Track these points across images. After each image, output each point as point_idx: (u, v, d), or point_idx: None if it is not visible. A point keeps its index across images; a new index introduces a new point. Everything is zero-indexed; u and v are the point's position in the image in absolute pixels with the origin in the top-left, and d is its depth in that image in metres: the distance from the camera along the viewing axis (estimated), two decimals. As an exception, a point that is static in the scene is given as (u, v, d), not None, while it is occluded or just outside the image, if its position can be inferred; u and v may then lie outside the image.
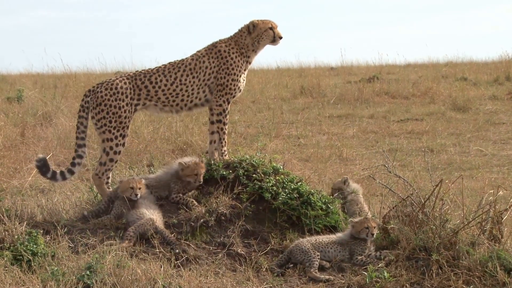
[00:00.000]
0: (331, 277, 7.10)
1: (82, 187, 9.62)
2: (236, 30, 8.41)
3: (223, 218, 7.74)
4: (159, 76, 8.15)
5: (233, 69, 8.23)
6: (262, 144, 12.14)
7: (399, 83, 22.69)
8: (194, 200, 7.89)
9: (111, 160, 8.10)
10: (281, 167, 8.31)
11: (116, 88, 8.04)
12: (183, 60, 8.27)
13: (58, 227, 7.49)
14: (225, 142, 8.34)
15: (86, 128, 8.17)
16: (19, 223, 7.47)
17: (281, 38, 8.37)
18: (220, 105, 8.24)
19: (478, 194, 10.04)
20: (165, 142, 13.16)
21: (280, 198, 7.85)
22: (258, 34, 8.31)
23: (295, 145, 14.97)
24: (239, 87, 8.33)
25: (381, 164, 8.72)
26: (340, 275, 7.15)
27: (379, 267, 7.08)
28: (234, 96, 8.33)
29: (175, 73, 8.18)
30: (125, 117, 8.07)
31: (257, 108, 19.24)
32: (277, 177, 8.09)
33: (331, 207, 7.99)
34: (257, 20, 8.35)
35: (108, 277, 6.54)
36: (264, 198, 7.92)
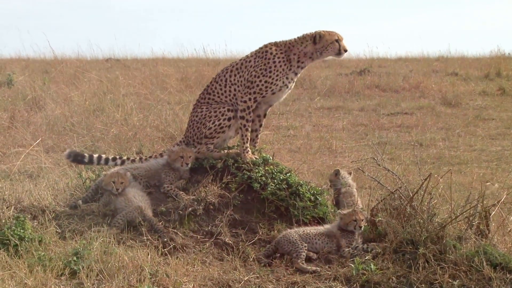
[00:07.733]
0: (317, 268, 7.10)
1: (71, 173, 9.59)
2: (296, 36, 8.23)
3: (211, 207, 7.74)
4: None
5: (270, 71, 8.11)
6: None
7: (390, 76, 22.67)
8: (183, 193, 7.87)
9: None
10: (271, 157, 8.29)
11: None
12: (233, 62, 8.36)
13: (47, 212, 7.48)
14: (247, 139, 8.18)
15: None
16: (7, 208, 7.47)
17: (345, 51, 8.21)
18: (245, 102, 8.11)
19: (466, 189, 10.06)
20: (155, 130, 13.13)
21: (269, 189, 7.85)
22: (324, 45, 8.15)
23: (284, 136, 14.97)
24: (272, 89, 8.13)
25: (370, 157, 8.72)
26: (327, 267, 7.15)
27: (366, 260, 7.08)
28: (263, 96, 8.16)
29: (224, 75, 8.27)
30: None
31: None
32: (266, 168, 8.09)
33: (320, 199, 7.99)
34: (324, 31, 8.16)
35: (95, 263, 6.54)
36: (253, 188, 7.91)
